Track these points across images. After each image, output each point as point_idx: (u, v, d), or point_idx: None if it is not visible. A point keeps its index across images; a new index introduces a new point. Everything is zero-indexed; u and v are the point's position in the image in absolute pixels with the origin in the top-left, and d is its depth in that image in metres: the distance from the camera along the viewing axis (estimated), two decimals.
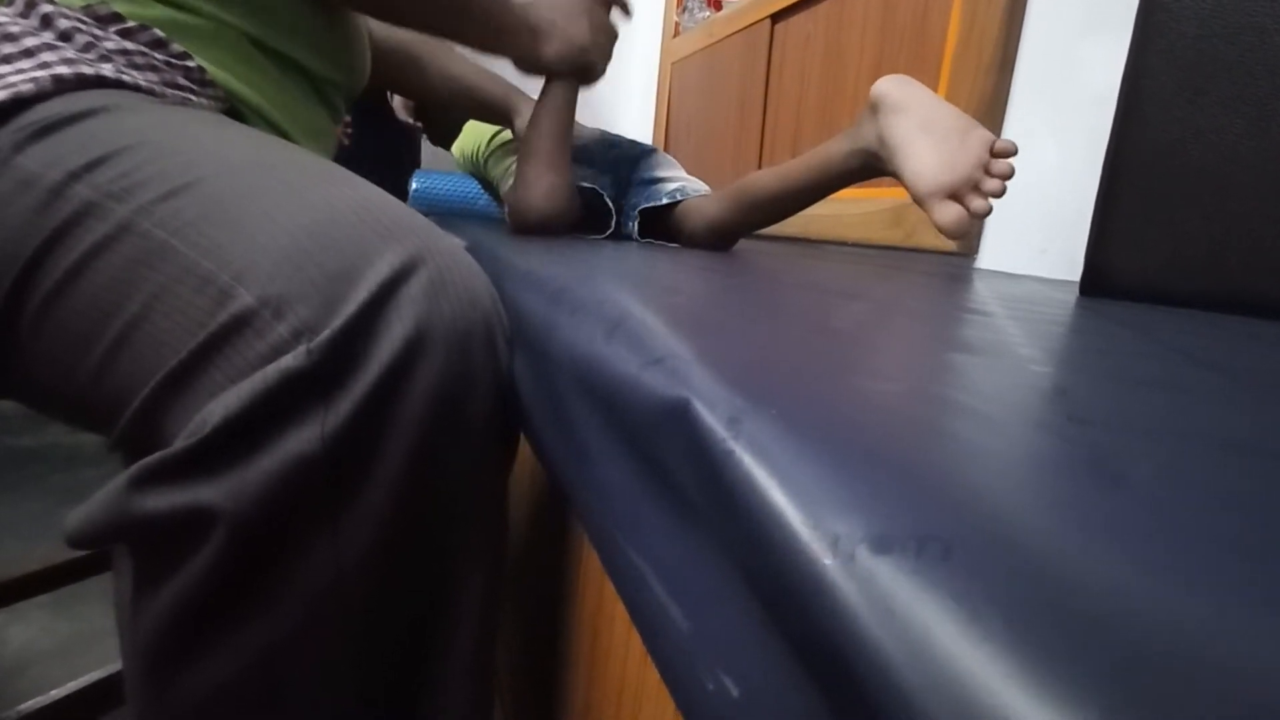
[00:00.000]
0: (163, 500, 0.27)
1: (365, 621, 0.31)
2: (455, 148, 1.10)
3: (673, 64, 1.93)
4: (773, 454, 0.14)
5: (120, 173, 0.34)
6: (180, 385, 0.30)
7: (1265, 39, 0.48)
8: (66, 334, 0.34)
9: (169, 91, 0.42)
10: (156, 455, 0.27)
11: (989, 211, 0.57)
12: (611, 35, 0.74)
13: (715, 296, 0.36)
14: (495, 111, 0.86)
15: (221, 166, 0.35)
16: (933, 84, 0.98)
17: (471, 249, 0.47)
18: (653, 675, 0.29)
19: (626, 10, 0.76)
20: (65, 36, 0.40)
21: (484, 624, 0.35)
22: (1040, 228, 0.83)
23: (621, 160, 0.89)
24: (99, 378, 0.33)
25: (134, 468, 0.28)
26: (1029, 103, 0.85)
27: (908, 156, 0.58)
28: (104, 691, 0.75)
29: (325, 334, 0.28)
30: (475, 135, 1.04)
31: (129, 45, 0.42)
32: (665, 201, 0.81)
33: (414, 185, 1.17)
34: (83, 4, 0.42)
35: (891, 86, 0.60)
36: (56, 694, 0.72)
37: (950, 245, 0.94)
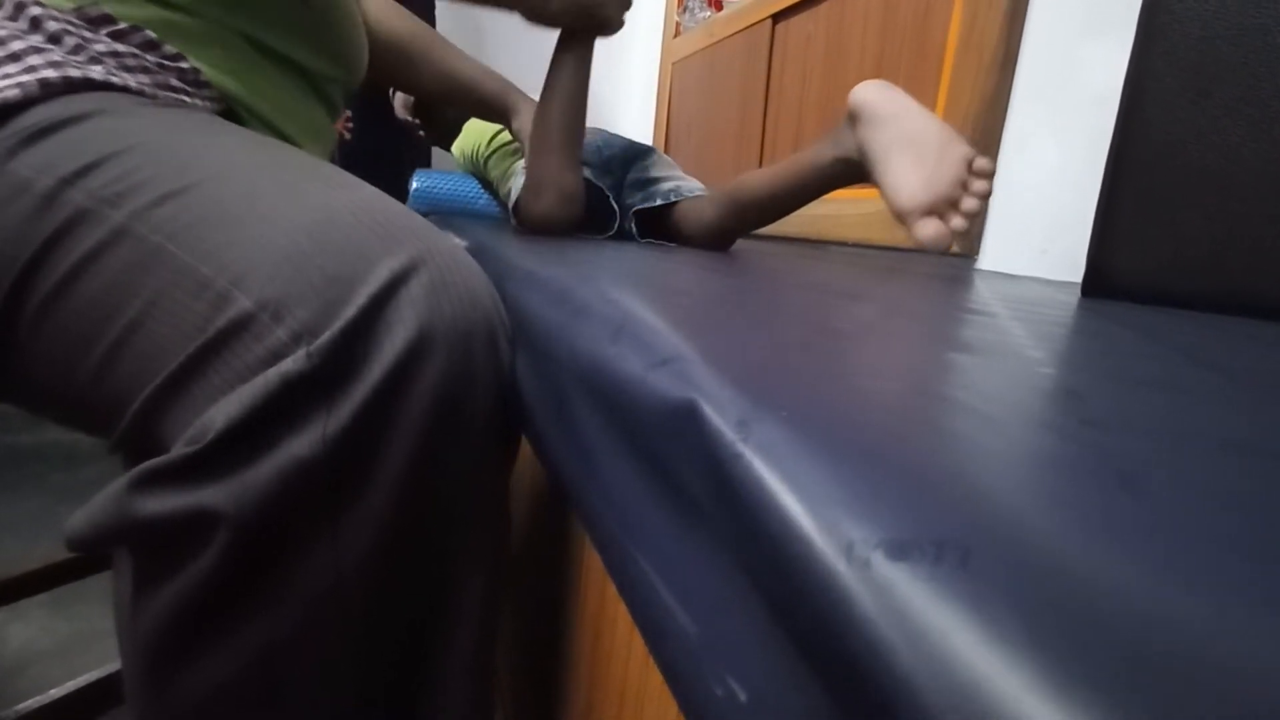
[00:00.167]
0: (164, 503, 0.27)
1: (365, 622, 0.31)
2: (455, 147, 1.10)
3: (673, 64, 1.93)
4: (783, 456, 0.14)
5: (114, 177, 0.33)
6: (179, 389, 0.30)
7: (1268, 40, 0.48)
8: (64, 338, 0.33)
9: (162, 93, 0.42)
10: (158, 460, 0.27)
11: (967, 229, 0.57)
12: None
13: (719, 297, 0.36)
14: (492, 109, 0.84)
15: (217, 169, 0.34)
16: (934, 84, 0.98)
17: (473, 249, 0.47)
18: (655, 677, 0.29)
19: None
20: (54, 39, 0.39)
21: (484, 625, 0.34)
22: (1041, 229, 0.83)
23: (616, 160, 0.89)
24: (97, 382, 0.33)
25: (134, 471, 0.28)
26: (1030, 103, 0.85)
27: (887, 171, 0.59)
28: (103, 691, 0.75)
29: (325, 337, 0.28)
30: (476, 135, 1.04)
31: (120, 47, 0.41)
32: (660, 203, 0.81)
33: (414, 185, 1.16)
34: (73, 6, 0.41)
35: (869, 95, 0.60)
36: (56, 693, 0.72)
37: (951, 246, 0.94)
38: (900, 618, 0.10)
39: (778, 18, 1.40)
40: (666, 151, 1.95)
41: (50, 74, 0.37)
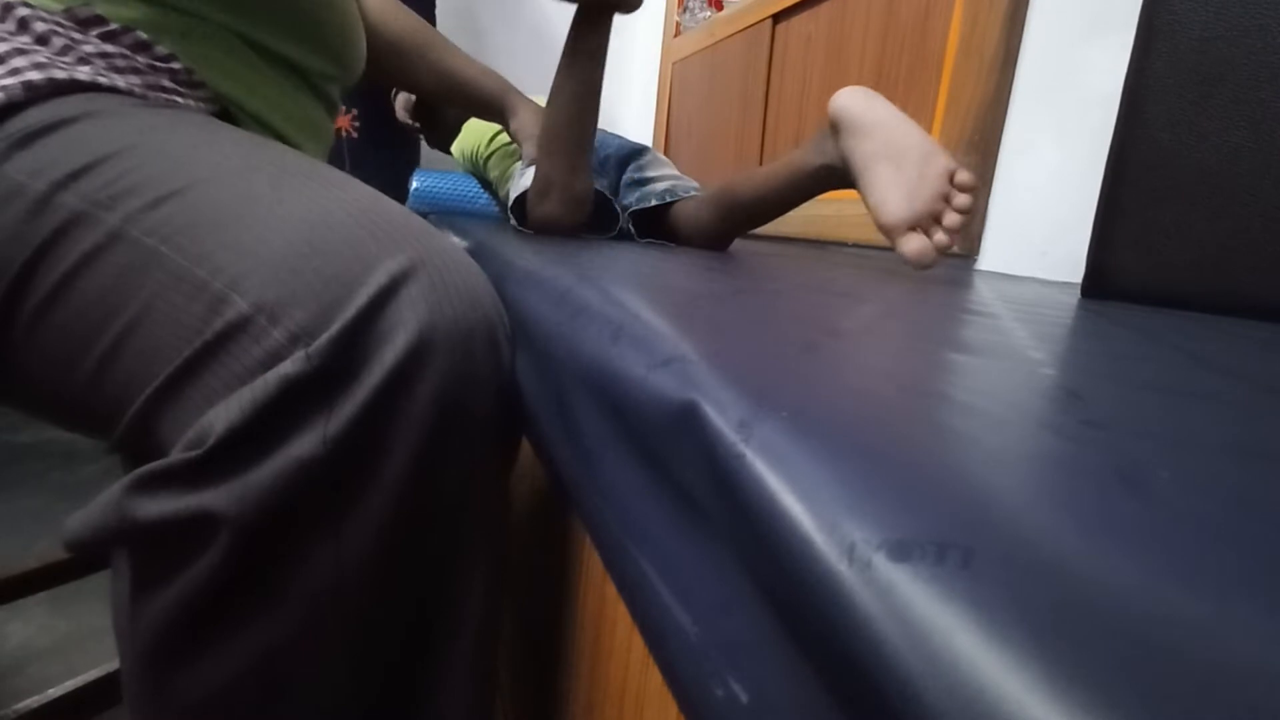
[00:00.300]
0: (164, 506, 0.27)
1: (366, 623, 0.31)
2: (455, 147, 1.10)
3: (674, 64, 1.93)
4: (785, 457, 0.14)
5: (108, 180, 0.33)
6: (176, 392, 0.30)
7: (1270, 42, 0.48)
8: (60, 342, 0.33)
9: (153, 94, 0.41)
10: (158, 463, 0.27)
11: (951, 245, 0.58)
12: None
13: (720, 298, 0.36)
14: (490, 109, 0.84)
15: (211, 171, 0.34)
16: (934, 85, 0.98)
17: (473, 249, 0.47)
18: (655, 678, 0.29)
19: None
20: (42, 40, 0.39)
21: (484, 625, 0.34)
22: (1041, 230, 0.83)
23: (612, 160, 0.89)
24: (94, 385, 0.33)
25: (134, 473, 0.28)
26: (1030, 104, 0.85)
27: (870, 185, 0.59)
28: (102, 689, 0.75)
29: (324, 338, 0.28)
30: (475, 135, 1.04)
31: (109, 48, 0.41)
32: (655, 204, 0.82)
33: (414, 185, 1.16)
34: (63, 7, 0.41)
35: (850, 103, 0.59)
36: (54, 692, 0.72)
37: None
38: (902, 619, 0.10)
39: (778, 18, 1.40)
40: (666, 152, 1.94)
41: (35, 76, 0.36)
